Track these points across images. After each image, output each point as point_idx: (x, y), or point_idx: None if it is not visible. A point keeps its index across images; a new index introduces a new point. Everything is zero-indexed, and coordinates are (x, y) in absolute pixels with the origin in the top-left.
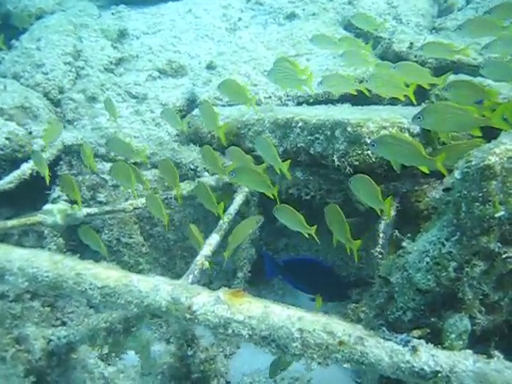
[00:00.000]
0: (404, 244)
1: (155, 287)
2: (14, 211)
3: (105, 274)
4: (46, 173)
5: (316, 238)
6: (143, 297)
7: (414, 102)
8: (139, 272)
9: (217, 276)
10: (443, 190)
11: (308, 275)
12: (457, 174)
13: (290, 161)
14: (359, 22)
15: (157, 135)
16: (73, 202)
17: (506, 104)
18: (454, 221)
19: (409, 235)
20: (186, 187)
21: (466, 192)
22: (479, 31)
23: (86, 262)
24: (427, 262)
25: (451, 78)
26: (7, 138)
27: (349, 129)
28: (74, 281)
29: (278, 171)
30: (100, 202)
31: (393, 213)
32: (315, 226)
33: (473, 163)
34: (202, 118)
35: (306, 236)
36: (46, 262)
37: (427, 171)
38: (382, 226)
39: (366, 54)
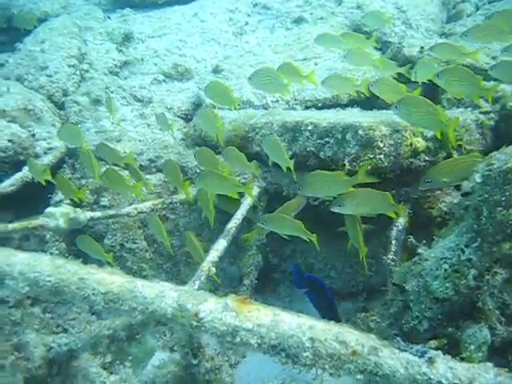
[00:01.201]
0: (420, 250)
1: (160, 293)
2: (16, 214)
3: (109, 280)
4: (42, 180)
5: (316, 243)
6: (148, 303)
7: None
8: (143, 278)
9: (222, 283)
10: (462, 195)
11: (319, 296)
12: (477, 178)
13: (293, 160)
14: (370, 20)
15: (162, 139)
16: (75, 205)
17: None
18: (475, 226)
19: (424, 241)
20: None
21: (487, 196)
22: (485, 37)
23: (89, 266)
24: (445, 270)
25: None
26: (10, 140)
27: (360, 132)
28: (77, 286)
29: (286, 170)
30: (104, 207)
31: (405, 219)
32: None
33: (495, 166)
34: (201, 121)
35: (307, 240)
36: (48, 267)
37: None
38: (394, 233)
39: (371, 53)
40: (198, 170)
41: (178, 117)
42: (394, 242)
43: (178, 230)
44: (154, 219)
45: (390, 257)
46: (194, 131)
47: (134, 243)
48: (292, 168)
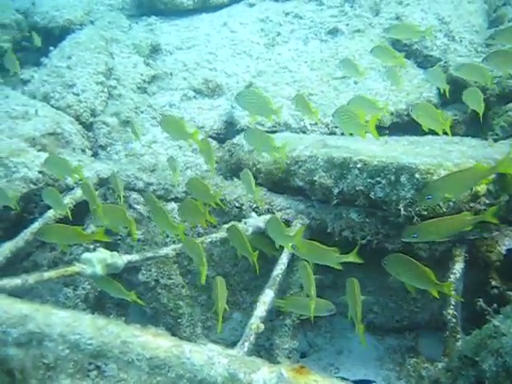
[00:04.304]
0: (496, 323)
1: (209, 360)
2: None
3: (154, 343)
4: (97, 207)
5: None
6: (196, 371)
7: (450, 135)
8: (179, 316)
9: None
10: None
11: None
12: None
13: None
14: (397, 33)
15: (194, 162)
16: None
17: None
18: None
19: (495, 306)
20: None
21: None
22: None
23: (132, 327)
24: None
25: None
26: (40, 172)
27: (417, 175)
28: (120, 350)
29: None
30: (138, 240)
31: (461, 265)
32: (353, 251)
33: None
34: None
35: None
36: (89, 328)
37: None
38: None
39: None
40: (236, 204)
41: (210, 136)
42: (452, 293)
43: (213, 260)
44: (191, 242)
45: (451, 312)
46: (230, 156)
47: (170, 279)
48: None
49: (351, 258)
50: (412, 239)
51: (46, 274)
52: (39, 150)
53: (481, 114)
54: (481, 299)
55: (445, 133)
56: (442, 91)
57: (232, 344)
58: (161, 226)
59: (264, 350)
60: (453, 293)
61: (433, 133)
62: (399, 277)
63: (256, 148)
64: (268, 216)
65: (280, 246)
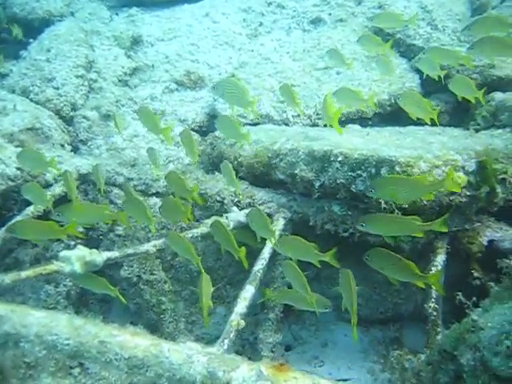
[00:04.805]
0: (474, 317)
1: (188, 358)
2: None
3: (132, 343)
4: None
5: (335, 263)
6: (175, 370)
7: (438, 124)
8: (162, 312)
9: None
10: None
11: None
12: None
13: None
14: (381, 21)
15: (176, 155)
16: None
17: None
18: None
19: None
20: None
21: None
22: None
23: (110, 326)
24: (508, 347)
25: None
26: (18, 168)
27: (397, 168)
28: (98, 350)
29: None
30: (119, 236)
31: (443, 256)
32: (332, 251)
33: None
34: (221, 128)
35: (318, 265)
36: (66, 328)
37: None
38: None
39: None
40: (218, 198)
41: (192, 129)
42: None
43: (197, 255)
44: (175, 236)
45: (432, 305)
46: (212, 149)
47: (152, 274)
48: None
49: (328, 258)
50: (361, 228)
51: (24, 273)
52: (17, 146)
53: (481, 100)
54: (460, 293)
55: (432, 122)
56: (436, 78)
57: (216, 338)
58: (136, 216)
59: (248, 344)
60: (439, 285)
61: (415, 123)
62: (382, 271)
63: (225, 135)
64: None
65: (262, 238)
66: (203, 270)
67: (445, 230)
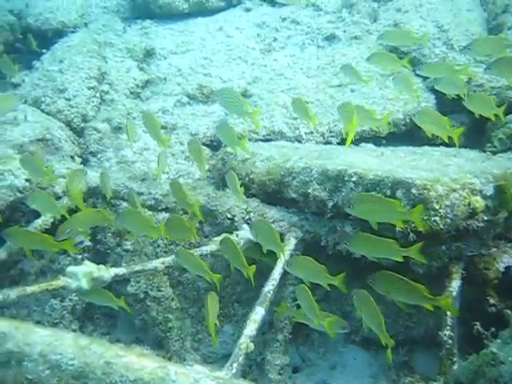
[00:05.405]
0: (493, 349)
1: (196, 383)
2: None
3: (138, 364)
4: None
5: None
6: None
7: (457, 144)
8: (168, 330)
9: None
10: None
11: None
12: None
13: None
14: (391, 39)
15: (187, 170)
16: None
17: None
18: None
19: (493, 330)
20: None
21: None
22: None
23: (116, 347)
24: None
25: None
26: (27, 180)
27: (413, 191)
28: (103, 371)
29: None
30: (126, 251)
31: (458, 282)
32: (341, 276)
33: None
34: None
35: (328, 288)
36: (71, 348)
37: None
38: None
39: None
40: (228, 216)
41: (204, 144)
42: (449, 313)
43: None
44: (185, 254)
45: (447, 333)
46: (223, 165)
47: (159, 291)
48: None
49: (336, 282)
50: (346, 246)
51: (29, 289)
52: None
53: (501, 117)
54: (478, 322)
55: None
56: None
57: (222, 357)
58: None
59: (255, 364)
60: (451, 307)
61: (430, 143)
62: (388, 294)
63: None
64: None
65: (268, 251)
66: (218, 286)
67: (420, 258)
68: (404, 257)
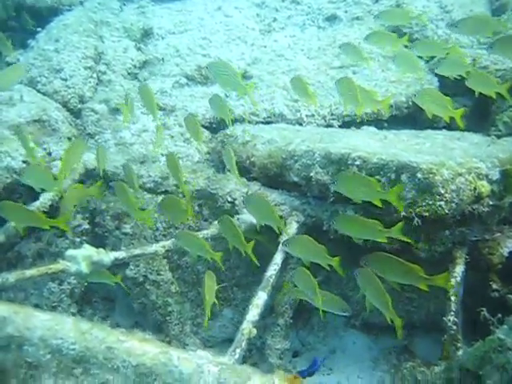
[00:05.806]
0: (500, 336)
1: (199, 368)
2: None
3: (140, 350)
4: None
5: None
6: (185, 380)
7: (460, 125)
8: (168, 314)
9: None
10: None
11: None
12: None
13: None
14: (388, 18)
15: (186, 152)
16: None
17: None
18: None
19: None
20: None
21: None
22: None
23: (117, 332)
24: None
25: None
26: (25, 161)
27: (419, 175)
28: (105, 356)
29: None
30: (125, 234)
31: (462, 267)
32: (338, 258)
33: None
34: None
35: (327, 268)
36: (72, 332)
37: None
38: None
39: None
40: (229, 199)
41: (203, 126)
42: (453, 298)
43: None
44: (186, 235)
45: (451, 318)
46: (223, 147)
47: (159, 275)
48: None
49: (334, 263)
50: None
51: (28, 272)
52: None
53: (505, 95)
54: (484, 309)
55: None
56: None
57: (222, 342)
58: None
59: (256, 348)
60: (448, 283)
61: (432, 127)
62: (383, 275)
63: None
64: None
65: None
66: (221, 264)
67: (403, 237)
68: (407, 243)
